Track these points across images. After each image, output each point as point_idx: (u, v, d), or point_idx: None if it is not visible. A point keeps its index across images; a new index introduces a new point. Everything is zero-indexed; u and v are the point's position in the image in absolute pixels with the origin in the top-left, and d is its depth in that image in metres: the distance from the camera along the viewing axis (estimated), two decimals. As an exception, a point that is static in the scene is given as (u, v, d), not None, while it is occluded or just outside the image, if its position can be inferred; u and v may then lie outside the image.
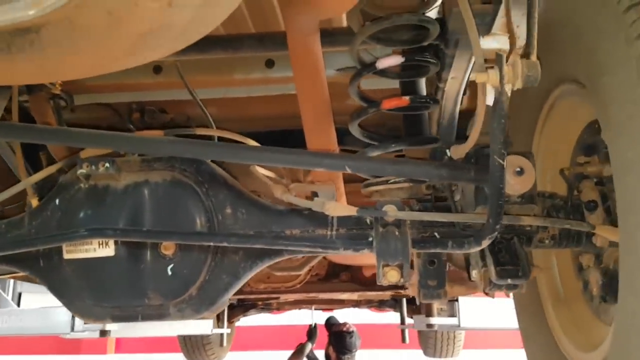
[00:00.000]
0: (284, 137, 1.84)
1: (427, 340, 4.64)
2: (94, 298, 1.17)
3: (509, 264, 1.09)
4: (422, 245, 1.09)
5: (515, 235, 1.12)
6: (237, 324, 5.58)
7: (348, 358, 4.57)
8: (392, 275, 1.11)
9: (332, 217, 1.17)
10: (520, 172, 0.99)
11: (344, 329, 4.61)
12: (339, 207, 1.10)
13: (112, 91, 1.91)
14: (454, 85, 1.10)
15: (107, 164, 1.12)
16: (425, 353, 4.87)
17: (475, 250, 1.04)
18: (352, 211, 1.09)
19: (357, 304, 4.94)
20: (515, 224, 1.10)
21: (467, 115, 1.13)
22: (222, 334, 4.23)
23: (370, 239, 1.11)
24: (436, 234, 1.14)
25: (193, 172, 1.18)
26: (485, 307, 2.25)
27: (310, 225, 1.18)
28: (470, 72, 1.05)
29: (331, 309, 5.48)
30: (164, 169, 1.18)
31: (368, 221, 1.16)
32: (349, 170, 1.03)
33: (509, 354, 7.55)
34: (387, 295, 3.98)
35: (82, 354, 7.91)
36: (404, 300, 4.15)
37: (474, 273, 1.15)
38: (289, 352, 5.89)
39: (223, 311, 4.29)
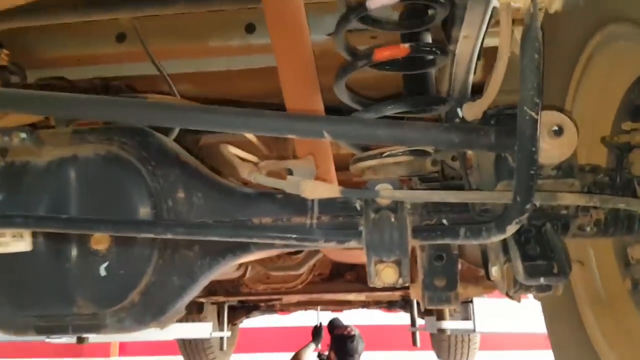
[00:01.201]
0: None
1: (440, 343, 4.36)
2: (12, 305, 0.93)
3: (541, 258, 0.82)
4: (426, 234, 0.83)
5: (548, 221, 0.86)
6: (240, 325, 5.35)
7: None
8: (387, 275, 0.85)
9: (313, 202, 0.92)
10: (559, 132, 0.73)
11: (345, 332, 4.35)
12: (317, 187, 0.84)
13: (70, 65, 1.68)
14: (466, 46, 0.84)
15: (22, 135, 0.88)
16: (439, 356, 4.59)
17: (496, 239, 0.77)
18: (334, 192, 0.83)
19: (365, 304, 4.68)
20: (549, 206, 0.84)
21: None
22: (222, 338, 3.99)
23: (360, 228, 0.85)
24: (444, 220, 0.88)
25: (135, 146, 0.93)
26: (504, 308, 1.98)
27: (285, 212, 0.92)
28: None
29: (339, 310, 5.22)
30: (98, 142, 0.93)
31: (358, 206, 0.90)
32: (328, 137, 0.77)
33: (528, 356, 7.26)
34: (396, 295, 3.72)
35: (85, 357, 7.73)
36: (415, 300, 3.88)
37: (494, 270, 0.88)
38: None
39: (223, 313, 4.05)
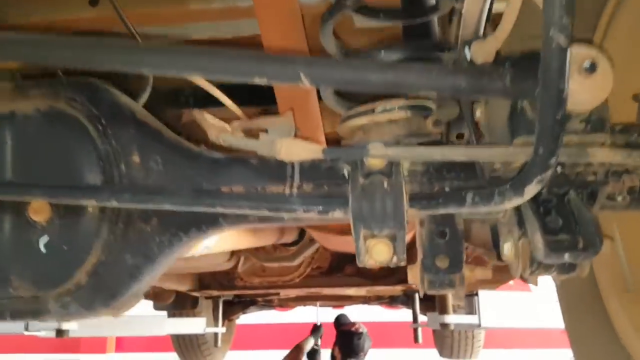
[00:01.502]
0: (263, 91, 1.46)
1: (443, 339, 4.22)
2: (-61, 286, 0.79)
3: (564, 231, 0.68)
4: (425, 203, 0.69)
5: (572, 189, 0.71)
6: (237, 322, 5.21)
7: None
8: (379, 252, 0.71)
9: (293, 168, 0.78)
10: (591, 69, 0.58)
11: (353, 329, 4.21)
12: (294, 146, 0.70)
13: (41, 31, 1.54)
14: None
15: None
16: (441, 354, 4.45)
17: (512, 204, 0.62)
18: (315, 152, 0.69)
19: (366, 300, 4.53)
20: (574, 171, 0.69)
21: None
22: (216, 334, 3.85)
23: (348, 194, 0.71)
24: (447, 188, 0.73)
25: (84, 102, 0.79)
26: (511, 302, 1.84)
27: (260, 180, 0.78)
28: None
29: (340, 306, 5.08)
30: (42, 97, 0.79)
31: (347, 173, 0.76)
32: (306, 82, 0.63)
33: (533, 354, 7.11)
34: (397, 290, 3.56)
35: (81, 353, 7.62)
36: (416, 295, 3.73)
37: (506, 248, 0.74)
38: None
39: (218, 308, 3.91)
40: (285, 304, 4.81)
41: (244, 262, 3.10)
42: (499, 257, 0.78)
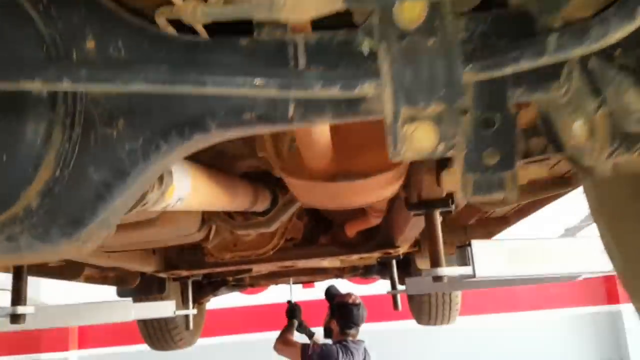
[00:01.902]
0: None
1: (421, 306, 4.14)
2: None
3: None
4: (487, 60, 0.52)
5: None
6: (208, 306, 5.01)
7: (353, 333, 4.03)
8: (422, 137, 0.55)
9: (296, 47, 0.60)
10: None
11: (350, 300, 4.05)
12: None
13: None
14: None
15: None
16: (419, 321, 4.38)
17: (616, 36, 0.47)
18: (332, 3, 0.52)
19: (340, 273, 4.41)
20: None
21: None
22: (187, 317, 3.65)
23: (380, 62, 0.54)
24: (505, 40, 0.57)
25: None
26: (504, 252, 1.74)
27: (253, 67, 0.60)
28: None
29: (312, 282, 4.95)
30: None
31: (366, 49, 0.59)
32: None
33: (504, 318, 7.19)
34: (374, 257, 3.45)
35: (42, 352, 7.27)
36: (394, 262, 3.63)
37: (577, 128, 0.59)
38: (267, 334, 5.32)
39: (187, 290, 3.71)
40: (257, 283, 4.64)
41: (215, 235, 2.91)
42: (558, 148, 0.63)
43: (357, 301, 4.00)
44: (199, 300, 4.43)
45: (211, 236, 2.42)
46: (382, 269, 4.21)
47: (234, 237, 3.03)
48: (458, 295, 4.08)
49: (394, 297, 3.53)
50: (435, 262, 1.79)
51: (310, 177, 1.42)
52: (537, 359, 7.02)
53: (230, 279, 4.20)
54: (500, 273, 1.80)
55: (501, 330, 7.18)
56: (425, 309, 4.11)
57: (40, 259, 0.63)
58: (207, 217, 2.20)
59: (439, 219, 1.82)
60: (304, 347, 3.88)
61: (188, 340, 4.33)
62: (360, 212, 2.94)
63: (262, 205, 2.22)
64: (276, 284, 4.72)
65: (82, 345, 7.38)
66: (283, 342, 4.08)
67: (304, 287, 5.90)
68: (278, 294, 6.48)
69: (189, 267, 3.27)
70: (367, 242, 3.25)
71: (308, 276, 4.40)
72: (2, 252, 0.58)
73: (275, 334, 4.40)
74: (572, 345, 7.12)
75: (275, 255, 3.21)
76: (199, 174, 1.40)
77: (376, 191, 1.52)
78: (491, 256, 1.72)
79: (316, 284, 6.99)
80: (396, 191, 1.70)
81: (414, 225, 2.43)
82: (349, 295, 4.05)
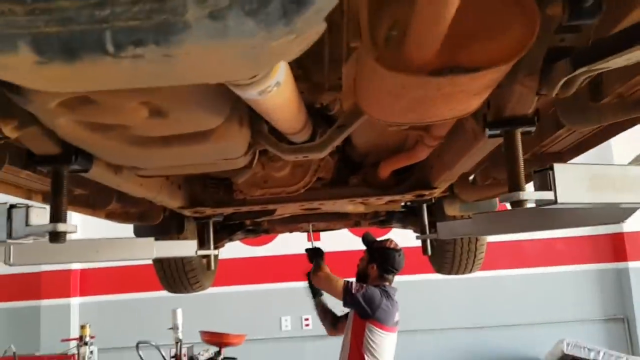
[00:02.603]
0: None
1: (443, 255, 4.07)
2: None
3: None
4: None
5: None
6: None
7: (391, 279, 3.98)
8: None
9: None
10: None
11: (392, 246, 3.99)
12: None
13: None
14: None
15: None
16: (440, 270, 4.31)
17: None
18: None
19: (360, 219, 4.30)
20: None
21: None
22: (207, 257, 3.54)
23: None
24: None
25: None
26: (586, 177, 1.61)
27: None
28: None
29: (329, 229, 4.84)
30: None
31: None
32: None
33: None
34: (405, 200, 3.33)
35: (43, 299, 7.18)
36: (424, 206, 3.53)
37: None
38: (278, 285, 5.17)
39: (208, 230, 3.58)
40: (273, 228, 4.53)
41: (257, 163, 2.76)
42: None
43: (398, 247, 3.94)
44: (215, 244, 4.32)
45: (254, 162, 2.27)
46: (404, 217, 4.11)
47: (265, 172, 2.89)
48: (484, 245, 4.01)
49: (424, 242, 3.44)
50: (514, 186, 1.65)
51: (410, 70, 1.26)
52: (541, 315, 7.08)
53: (249, 222, 4.07)
54: (582, 200, 1.68)
55: (504, 286, 7.20)
56: (449, 258, 4.04)
57: (238, 64, 0.47)
58: (253, 140, 2.05)
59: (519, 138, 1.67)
60: (348, 283, 3.81)
61: (203, 284, 4.24)
62: (397, 151, 2.79)
63: (304, 134, 2.08)
64: (292, 230, 4.61)
65: (83, 292, 7.28)
66: (325, 275, 3.99)
67: (308, 240, 5.75)
68: (289, 245, 6.40)
69: (215, 205, 3.14)
70: (400, 183, 3.13)
71: (327, 222, 4.28)
72: (204, 37, 0.42)
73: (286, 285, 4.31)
74: (576, 302, 7.17)
75: (305, 194, 3.08)
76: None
77: (479, 91, 1.37)
78: (573, 181, 1.59)
79: (321, 235, 6.93)
80: (484, 100, 1.55)
81: (470, 158, 2.30)
82: (389, 240, 3.98)
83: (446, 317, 7.20)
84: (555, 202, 1.58)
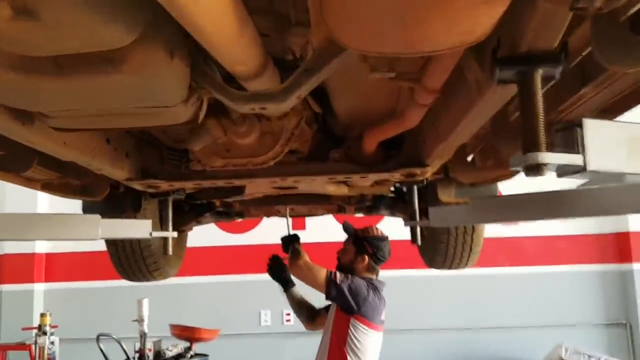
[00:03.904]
0: None
1: (436, 246, 3.62)
2: None
3: None
4: None
5: None
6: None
7: (378, 270, 3.57)
8: None
9: None
10: None
11: (380, 234, 3.58)
12: None
13: None
14: None
15: None
16: (431, 264, 3.87)
17: None
18: None
19: (344, 203, 3.84)
20: None
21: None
22: (165, 239, 3.07)
23: None
24: None
25: None
26: (625, 139, 1.19)
27: None
28: None
29: (309, 215, 4.38)
30: None
31: None
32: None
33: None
34: (393, 180, 2.86)
35: (5, 284, 6.71)
36: (415, 188, 3.08)
37: None
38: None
39: (167, 207, 3.12)
40: (247, 212, 4.07)
41: (203, 133, 2.31)
42: None
43: (384, 234, 3.51)
44: (180, 227, 3.86)
45: (201, 115, 1.80)
46: (393, 203, 3.66)
47: (228, 139, 2.43)
48: (481, 237, 3.57)
49: (413, 231, 2.99)
50: (531, 144, 1.19)
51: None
52: (537, 317, 6.67)
53: (218, 203, 3.61)
54: (620, 168, 1.24)
55: (499, 285, 6.80)
56: (442, 250, 3.60)
57: None
58: (196, 83, 1.58)
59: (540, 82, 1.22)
60: (332, 273, 3.37)
61: (165, 272, 3.78)
62: (387, 117, 2.36)
63: (265, 80, 1.63)
64: (268, 214, 4.15)
65: (49, 278, 6.82)
66: (305, 263, 3.53)
67: (298, 217, 5.20)
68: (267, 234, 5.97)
69: (171, 178, 2.69)
70: (388, 159, 2.69)
71: (307, 205, 3.83)
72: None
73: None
74: (575, 304, 6.76)
75: (276, 168, 2.63)
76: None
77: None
78: (610, 144, 1.18)
79: (307, 225, 6.48)
80: (494, 24, 1.10)
81: (470, 122, 1.84)
82: (375, 228, 3.55)
83: (434, 316, 6.79)
84: (584, 169, 1.15)
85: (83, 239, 3.06)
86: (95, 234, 2.74)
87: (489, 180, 2.84)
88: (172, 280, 6.35)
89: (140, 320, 4.91)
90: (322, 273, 3.37)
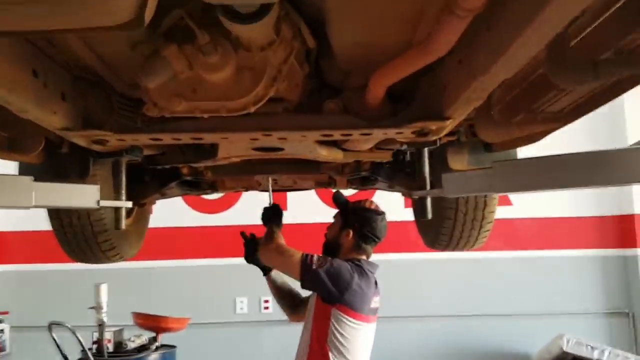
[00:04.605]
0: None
1: (441, 223, 3.11)
2: None
3: None
4: None
5: None
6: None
7: (369, 251, 3.01)
8: None
9: None
10: None
11: (373, 207, 3.03)
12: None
13: None
14: None
15: None
16: (434, 244, 3.36)
17: None
18: None
19: (337, 173, 3.29)
20: None
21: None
22: (117, 211, 2.48)
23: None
24: None
25: None
26: None
27: None
28: None
29: (294, 188, 3.82)
30: None
31: None
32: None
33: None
34: (404, 135, 2.29)
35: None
36: (425, 152, 2.55)
37: None
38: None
39: (119, 171, 2.54)
40: (223, 183, 3.49)
41: (178, 56, 1.75)
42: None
43: (380, 209, 2.95)
44: (140, 200, 3.27)
45: (147, 15, 1.23)
46: (392, 172, 3.11)
47: (194, 74, 1.86)
48: (493, 213, 3.07)
49: (422, 203, 2.46)
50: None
51: None
52: (535, 305, 6.28)
53: (185, 170, 3.03)
54: None
55: (494, 270, 6.38)
56: (447, 229, 3.09)
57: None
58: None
59: None
60: (306, 257, 2.80)
61: (123, 252, 3.19)
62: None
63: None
64: (248, 187, 3.59)
65: (2, 259, 6.17)
66: (276, 247, 2.98)
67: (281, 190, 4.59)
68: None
69: (120, 130, 2.12)
70: (394, 113, 2.17)
71: (291, 175, 3.27)
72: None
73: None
74: (575, 291, 6.38)
75: (258, 120, 2.09)
76: None
77: None
78: None
79: (289, 206, 5.94)
80: None
81: (523, 46, 1.37)
82: (369, 201, 2.99)
83: (426, 303, 6.33)
84: None
85: (11, 207, 2.47)
86: (28, 201, 2.15)
87: (521, 141, 2.33)
88: (137, 264, 5.83)
89: (98, 308, 4.35)
90: (296, 257, 2.82)
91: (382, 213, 3.00)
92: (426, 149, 2.44)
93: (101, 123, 2.08)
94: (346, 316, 2.77)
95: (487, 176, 2.20)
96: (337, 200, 3.05)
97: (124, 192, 2.47)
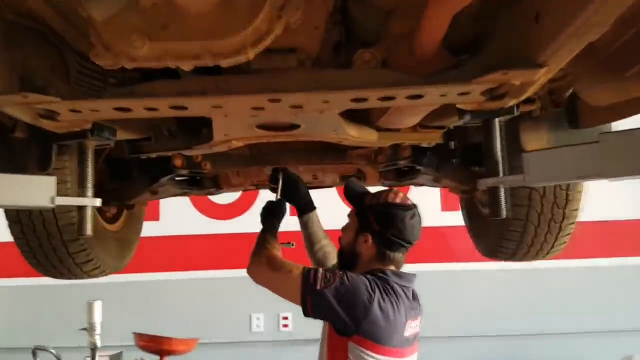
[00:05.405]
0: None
1: (507, 226, 2.44)
2: None
3: None
4: None
5: None
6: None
7: (399, 259, 2.22)
8: None
9: None
10: None
11: (398, 200, 2.22)
12: None
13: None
14: None
15: None
16: (494, 252, 2.70)
17: None
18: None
19: (364, 164, 2.63)
20: None
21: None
22: (82, 212, 1.86)
23: None
24: None
25: None
26: None
27: None
28: None
29: (314, 185, 3.16)
30: None
31: None
32: None
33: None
34: (474, 96, 1.62)
35: None
36: (496, 123, 1.89)
37: None
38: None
39: (84, 164, 1.92)
40: (227, 179, 2.87)
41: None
42: None
43: (409, 201, 2.18)
44: (127, 200, 2.68)
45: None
46: (439, 159, 2.43)
47: (164, 1, 1.23)
48: (577, 211, 2.40)
49: (495, 195, 1.78)
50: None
51: None
52: (597, 322, 5.65)
53: (178, 161, 2.41)
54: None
55: (548, 282, 5.79)
56: (516, 233, 2.42)
57: None
58: None
59: None
60: (308, 274, 2.06)
61: (104, 265, 2.59)
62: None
63: None
64: (258, 184, 2.96)
65: (-7, 273, 5.73)
66: (267, 263, 2.24)
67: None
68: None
69: (70, 95, 1.54)
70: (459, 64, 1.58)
71: (311, 165, 2.63)
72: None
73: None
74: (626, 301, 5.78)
75: (261, 77, 1.49)
76: None
77: None
78: None
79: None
80: None
81: None
82: (393, 192, 2.20)
83: (470, 321, 5.69)
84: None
85: None
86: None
87: (630, 107, 1.68)
88: (139, 277, 5.35)
89: (90, 330, 3.80)
90: (295, 273, 2.07)
91: (412, 207, 2.17)
92: (497, 122, 1.78)
93: (44, 84, 1.50)
94: (367, 351, 2.01)
95: (592, 155, 1.53)
96: (350, 192, 2.31)
97: (90, 186, 1.87)
